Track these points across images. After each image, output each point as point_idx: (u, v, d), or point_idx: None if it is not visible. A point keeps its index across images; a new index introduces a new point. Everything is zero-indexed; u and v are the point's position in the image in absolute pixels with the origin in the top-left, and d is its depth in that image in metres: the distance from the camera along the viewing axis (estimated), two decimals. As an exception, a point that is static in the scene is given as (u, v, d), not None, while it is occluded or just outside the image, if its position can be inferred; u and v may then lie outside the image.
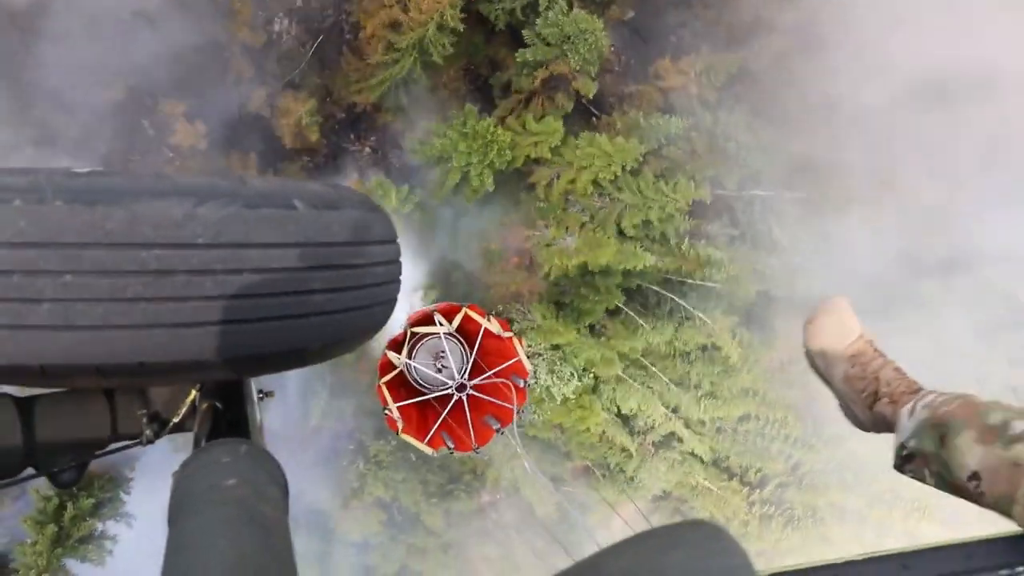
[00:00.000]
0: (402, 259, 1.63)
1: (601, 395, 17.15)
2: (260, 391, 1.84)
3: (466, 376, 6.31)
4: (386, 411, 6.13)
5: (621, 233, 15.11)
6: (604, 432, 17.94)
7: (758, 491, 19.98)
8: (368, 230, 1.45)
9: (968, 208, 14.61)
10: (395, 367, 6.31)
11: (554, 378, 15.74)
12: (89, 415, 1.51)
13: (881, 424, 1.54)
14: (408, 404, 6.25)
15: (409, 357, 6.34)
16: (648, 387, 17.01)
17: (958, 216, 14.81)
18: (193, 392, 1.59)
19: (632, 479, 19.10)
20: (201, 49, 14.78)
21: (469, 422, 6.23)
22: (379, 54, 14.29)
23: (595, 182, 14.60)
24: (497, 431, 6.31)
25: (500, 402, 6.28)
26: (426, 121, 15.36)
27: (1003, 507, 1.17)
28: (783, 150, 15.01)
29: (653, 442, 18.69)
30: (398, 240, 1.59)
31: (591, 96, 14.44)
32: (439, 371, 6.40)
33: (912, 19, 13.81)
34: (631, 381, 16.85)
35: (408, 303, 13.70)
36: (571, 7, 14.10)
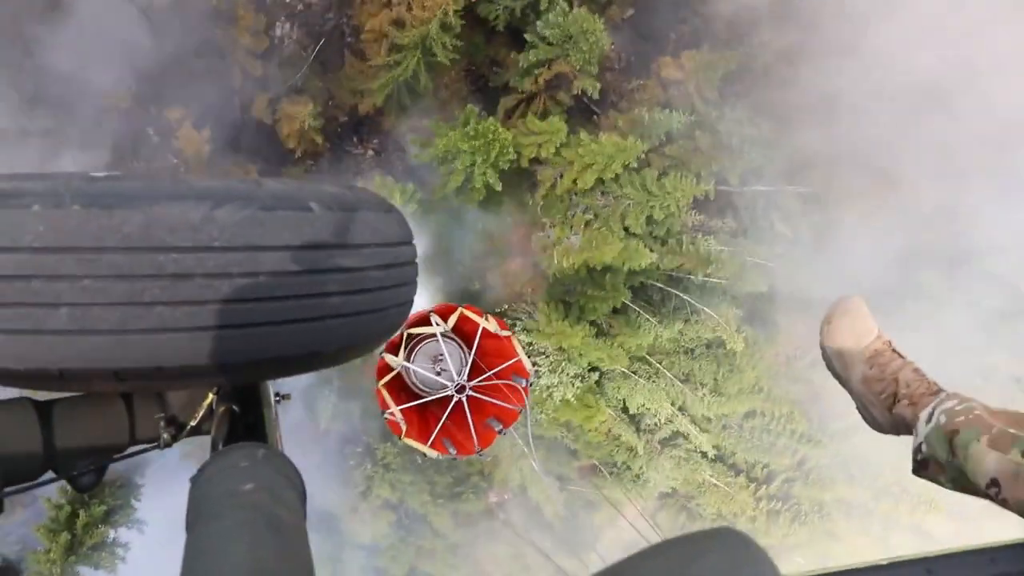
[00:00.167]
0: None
1: (606, 392, 17.13)
2: (277, 394, 1.84)
3: (465, 377, 6.23)
4: (386, 415, 6.00)
5: (626, 231, 15.08)
6: (610, 430, 17.93)
7: (764, 487, 19.95)
8: (384, 232, 1.44)
9: (969, 199, 14.54)
10: (393, 369, 6.24)
11: (556, 379, 15.72)
12: (107, 419, 1.52)
13: (900, 426, 1.51)
14: (408, 407, 6.13)
15: (408, 360, 6.27)
16: (654, 383, 16.99)
17: (960, 208, 14.75)
18: (210, 395, 1.59)
19: (638, 477, 19.08)
20: (203, 55, 14.83)
21: (471, 424, 6.13)
22: (381, 56, 14.27)
23: (599, 180, 14.58)
24: (500, 432, 6.22)
25: (502, 403, 6.18)
26: (428, 122, 15.36)
27: None
28: (785, 145, 14.98)
29: (659, 440, 18.68)
30: (414, 241, 1.59)
31: (596, 95, 14.40)
32: (438, 374, 6.30)
33: (912, 16, 13.77)
34: (637, 378, 16.83)
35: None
36: (571, 7, 14.09)
